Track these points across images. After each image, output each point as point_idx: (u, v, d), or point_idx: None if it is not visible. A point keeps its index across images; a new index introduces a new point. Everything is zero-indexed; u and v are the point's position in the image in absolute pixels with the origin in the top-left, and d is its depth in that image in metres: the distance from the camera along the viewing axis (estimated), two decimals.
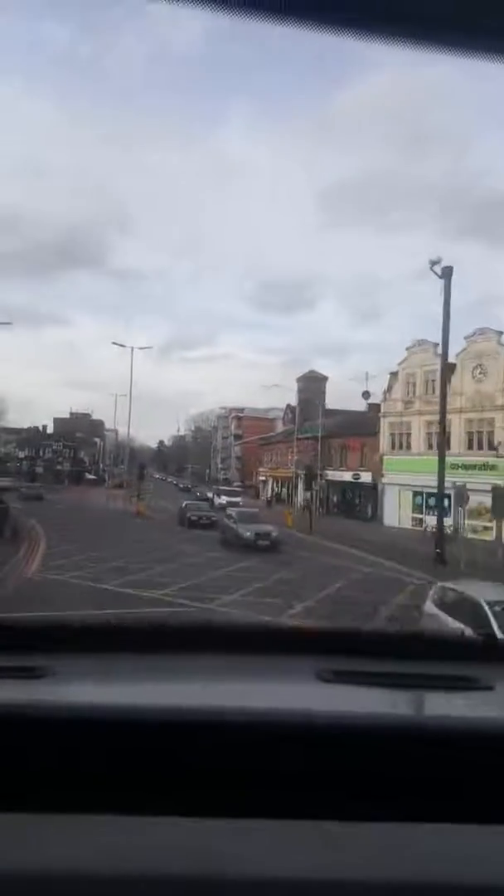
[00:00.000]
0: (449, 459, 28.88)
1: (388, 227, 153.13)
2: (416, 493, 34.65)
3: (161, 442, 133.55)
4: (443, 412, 20.85)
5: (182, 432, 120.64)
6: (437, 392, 33.10)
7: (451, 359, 30.05)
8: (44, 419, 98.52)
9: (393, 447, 36.74)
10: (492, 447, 30.40)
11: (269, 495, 54.10)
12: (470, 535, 27.12)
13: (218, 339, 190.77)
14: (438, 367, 33.41)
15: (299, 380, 58.04)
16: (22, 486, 47.17)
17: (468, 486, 23.73)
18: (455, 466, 28.70)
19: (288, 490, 51.38)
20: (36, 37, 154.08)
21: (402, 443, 36.15)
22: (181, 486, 72.98)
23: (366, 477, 38.70)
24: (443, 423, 20.86)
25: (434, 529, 30.40)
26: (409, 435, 35.61)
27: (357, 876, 0.72)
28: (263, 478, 60.36)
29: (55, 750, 0.91)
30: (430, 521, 32.34)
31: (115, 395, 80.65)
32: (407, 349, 36.35)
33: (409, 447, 35.53)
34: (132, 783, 0.90)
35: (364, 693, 1.12)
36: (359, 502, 40.14)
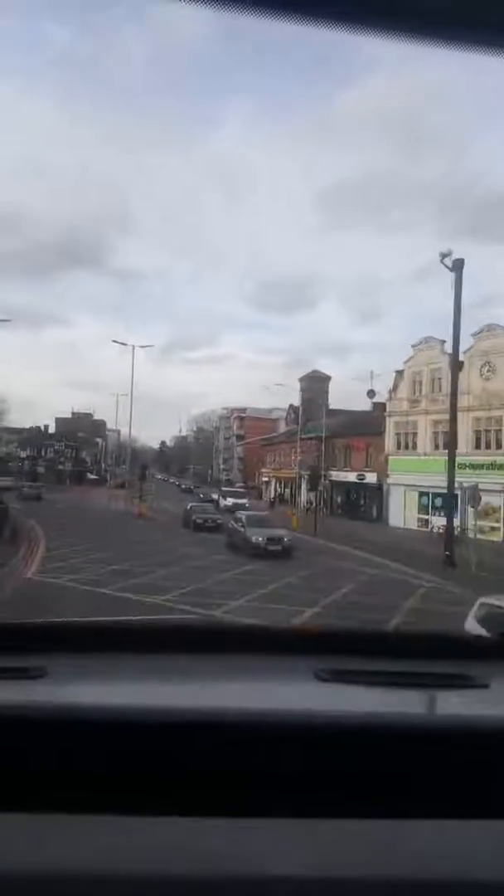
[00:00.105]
0: (456, 459, 28.53)
1: (389, 227, 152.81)
2: (421, 494, 34.11)
3: (163, 442, 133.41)
4: (453, 408, 20.28)
5: (184, 433, 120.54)
6: (444, 390, 32.76)
7: (460, 356, 29.58)
8: (46, 419, 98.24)
9: (398, 447, 36.20)
10: (500, 446, 29.86)
11: (272, 496, 53.60)
12: (478, 536, 26.69)
13: (219, 340, 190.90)
14: (445, 365, 33.00)
15: (302, 379, 57.56)
16: (21, 486, 46.83)
17: (467, 485, 23.17)
18: (462, 466, 28.13)
19: (291, 491, 50.86)
20: (36, 37, 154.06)
21: (407, 442, 35.61)
22: (183, 486, 72.33)
23: (371, 477, 38.16)
24: (453, 419, 20.28)
25: (441, 530, 30.07)
26: (415, 434, 35.06)
27: (356, 874, 0.73)
28: (266, 478, 59.86)
29: (54, 750, 0.91)
30: (437, 521, 31.86)
31: (116, 394, 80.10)
32: (413, 347, 35.81)
33: (414, 447, 34.98)
34: (131, 783, 0.90)
35: (361, 692, 1.12)
36: (363, 503, 39.59)
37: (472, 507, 20.58)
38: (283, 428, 65.86)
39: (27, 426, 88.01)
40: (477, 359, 31.20)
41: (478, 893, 0.73)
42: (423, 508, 34.19)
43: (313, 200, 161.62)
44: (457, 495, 22.70)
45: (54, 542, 19.57)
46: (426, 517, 33.69)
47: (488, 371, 30.92)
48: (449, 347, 33.35)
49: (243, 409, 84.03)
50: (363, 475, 38.92)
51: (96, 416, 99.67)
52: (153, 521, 30.92)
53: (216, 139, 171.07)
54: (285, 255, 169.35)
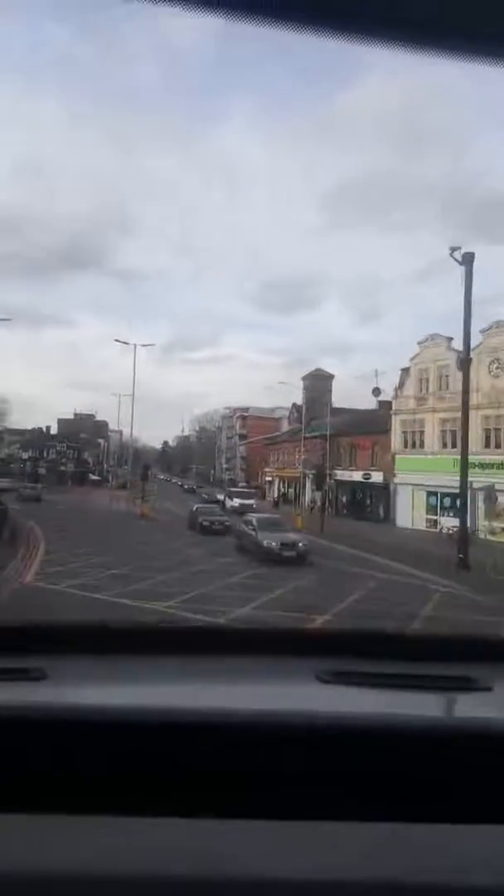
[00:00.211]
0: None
1: (391, 227, 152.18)
2: (429, 494, 33.46)
3: (165, 442, 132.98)
4: (465, 406, 19.57)
5: (186, 433, 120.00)
6: (452, 388, 32.11)
7: (462, 356, 28.92)
8: (48, 420, 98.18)
9: (405, 445, 35.53)
10: None
11: (275, 496, 52.94)
12: (488, 538, 26.02)
13: (221, 340, 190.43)
14: (452, 362, 32.36)
15: (305, 378, 56.94)
16: (21, 487, 46.33)
17: (480, 485, 22.48)
18: (472, 465, 27.39)
19: (295, 490, 50.21)
20: (37, 37, 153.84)
21: (415, 441, 34.94)
22: (186, 487, 71.63)
23: (377, 477, 37.49)
24: (465, 417, 19.58)
25: (451, 531, 29.41)
26: (422, 433, 34.40)
27: (357, 876, 0.73)
28: (270, 478, 59.23)
29: (55, 752, 0.91)
30: (445, 522, 31.23)
31: (118, 395, 79.56)
32: (419, 344, 35.15)
33: (422, 446, 34.31)
34: (132, 784, 0.90)
35: (363, 694, 1.11)
36: (369, 503, 38.93)
37: (489, 507, 19.80)
38: (285, 427, 65.29)
39: (30, 427, 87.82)
40: (486, 355, 30.50)
41: None
42: (431, 508, 33.53)
43: (315, 200, 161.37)
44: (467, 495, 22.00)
45: (54, 545, 18.97)
46: (434, 517, 33.03)
47: (497, 368, 30.24)
48: (456, 344, 32.83)
49: (246, 409, 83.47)
50: (369, 474, 38.24)
51: (99, 417, 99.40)
52: (155, 521, 30.29)
53: (218, 139, 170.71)
54: (287, 255, 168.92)
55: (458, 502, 30.93)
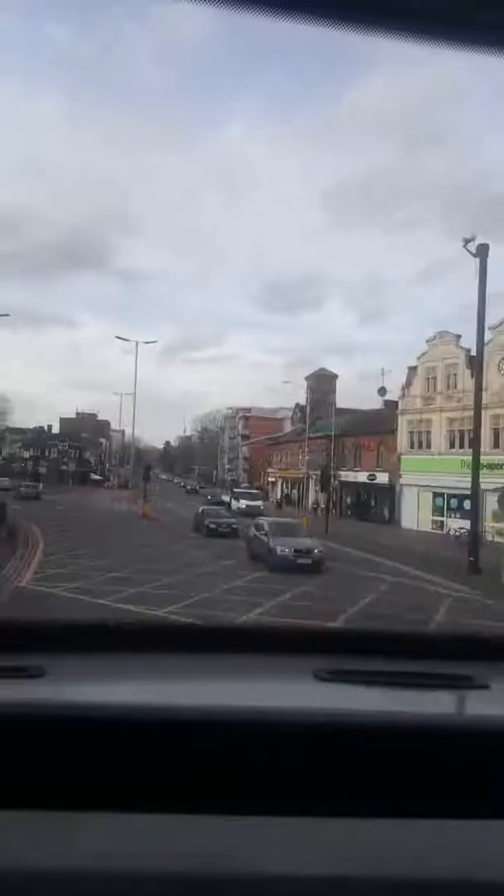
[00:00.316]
0: (471, 459, 27.24)
1: (394, 226, 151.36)
2: (436, 495, 32.88)
3: (167, 443, 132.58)
4: (478, 404, 18.98)
5: (188, 433, 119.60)
6: (460, 387, 31.53)
7: (476, 352, 28.38)
8: (51, 420, 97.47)
9: (412, 446, 34.96)
10: None
11: (278, 496, 52.37)
12: (496, 539, 25.45)
13: (223, 340, 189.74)
14: (461, 360, 31.78)
15: (308, 378, 56.39)
16: (20, 486, 45.88)
17: (492, 486, 21.84)
18: (480, 465, 26.90)
19: (299, 491, 49.66)
20: (39, 37, 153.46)
21: (421, 441, 34.36)
22: (188, 487, 70.99)
23: (382, 477, 36.91)
24: (478, 415, 18.99)
25: (458, 533, 28.82)
26: (429, 433, 33.82)
27: (355, 873, 0.73)
28: (273, 479, 58.69)
29: (55, 749, 0.91)
30: (453, 523, 30.66)
31: (120, 394, 79.04)
32: (427, 342, 34.58)
33: (429, 446, 33.73)
34: (131, 781, 0.90)
35: (361, 692, 1.12)
36: (374, 504, 38.35)
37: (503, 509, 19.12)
38: (288, 428, 64.79)
39: (32, 427, 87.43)
40: (496, 353, 29.88)
41: (479, 893, 0.73)
42: (437, 510, 32.95)
43: (318, 199, 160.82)
44: (471, 496, 21.38)
45: (52, 546, 18.45)
46: (441, 519, 32.45)
47: None
48: (464, 342, 32.29)
49: (248, 409, 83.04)
50: (374, 475, 37.66)
51: (101, 417, 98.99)
52: (156, 522, 29.74)
53: (220, 139, 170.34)
54: (290, 255, 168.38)
55: (464, 504, 30.76)
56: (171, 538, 23.16)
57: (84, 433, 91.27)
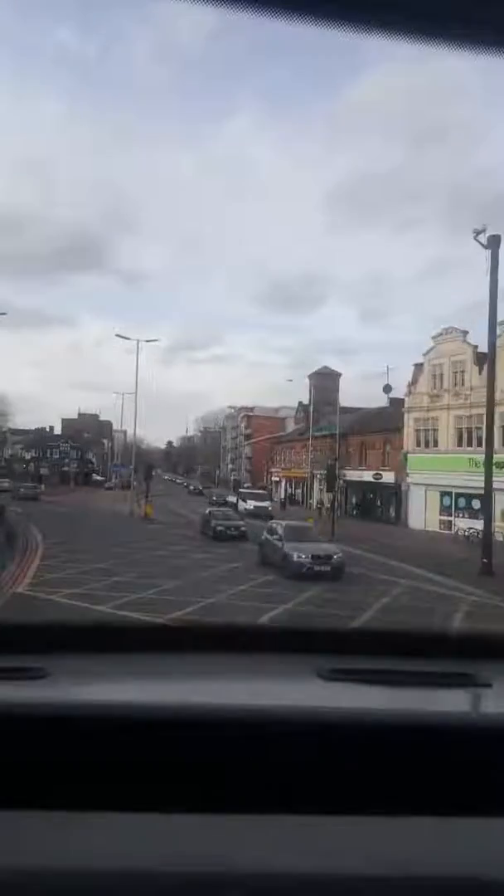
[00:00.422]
0: (479, 457, 26.67)
1: (398, 225, 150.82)
2: (443, 494, 32.27)
3: (169, 443, 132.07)
4: (490, 403, 18.38)
5: (190, 433, 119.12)
6: (468, 384, 30.92)
7: (484, 348, 27.78)
8: (54, 421, 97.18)
9: (418, 444, 34.35)
10: None
11: (282, 496, 51.80)
12: None
13: (225, 340, 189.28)
14: (468, 356, 31.16)
15: (311, 376, 55.85)
16: (19, 487, 45.67)
17: (502, 486, 21.22)
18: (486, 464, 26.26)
19: (303, 491, 49.10)
20: (39, 37, 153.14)
21: (428, 439, 33.75)
22: (192, 488, 69.92)
23: (388, 476, 36.29)
24: (490, 412, 18.39)
25: (468, 533, 28.22)
26: (435, 431, 33.20)
27: (360, 870, 0.74)
28: (277, 478, 58.11)
29: (57, 749, 0.91)
30: (461, 523, 30.08)
31: (122, 393, 78.49)
32: (433, 338, 33.95)
33: (436, 444, 33.12)
34: (134, 781, 0.91)
35: (364, 690, 1.12)
36: (380, 504, 37.75)
37: None
38: (291, 427, 64.32)
39: (34, 427, 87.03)
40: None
41: (480, 890, 0.73)
42: (444, 509, 32.34)
43: (320, 198, 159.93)
44: (482, 495, 20.76)
45: (52, 549, 17.93)
46: (449, 519, 31.84)
47: None
48: (472, 339, 31.70)
49: (251, 408, 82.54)
50: (380, 474, 37.05)
51: (103, 417, 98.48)
52: (160, 525, 29.18)
53: (223, 138, 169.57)
54: (292, 254, 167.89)
55: (473, 503, 30.20)
56: (175, 540, 22.61)
57: (86, 433, 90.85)
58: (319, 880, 0.72)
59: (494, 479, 19.23)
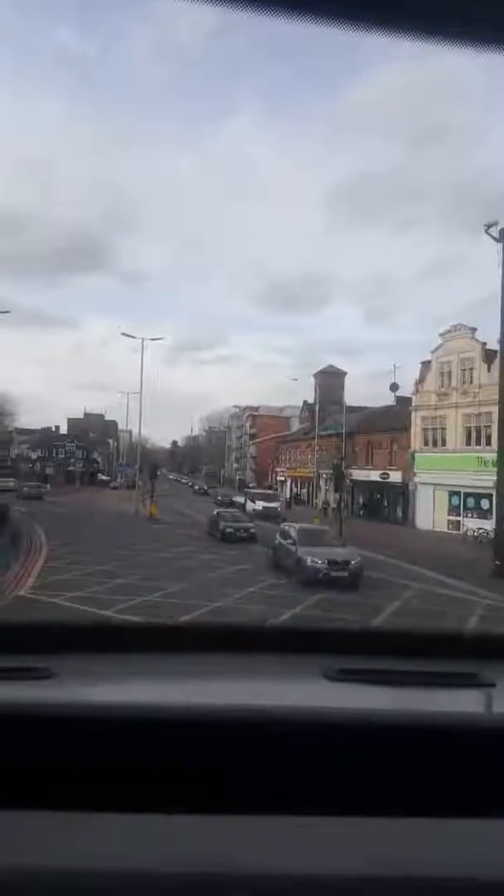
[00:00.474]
0: (488, 456, 26.27)
1: (401, 225, 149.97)
2: (452, 493, 31.82)
3: (174, 442, 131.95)
4: (502, 396, 17.93)
5: (195, 432, 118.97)
6: (477, 381, 30.45)
7: (492, 345, 27.34)
8: (59, 421, 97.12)
9: (426, 443, 33.90)
10: None
11: (287, 496, 51.45)
12: None
13: (230, 340, 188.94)
14: (477, 353, 30.68)
15: (317, 375, 55.48)
16: (23, 486, 45.59)
17: None
18: (494, 463, 25.82)
19: (308, 491, 48.74)
20: (40, 37, 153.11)
21: (436, 438, 33.30)
22: (197, 487, 69.20)
23: (395, 476, 35.87)
24: (502, 408, 17.96)
25: (477, 533, 27.78)
26: (444, 430, 32.75)
27: (363, 870, 0.74)
28: (282, 478, 57.77)
29: (63, 749, 0.92)
30: (469, 523, 29.64)
31: (127, 393, 78.28)
32: (441, 335, 33.50)
33: (444, 443, 32.67)
34: (138, 781, 0.91)
35: (369, 690, 1.12)
36: (387, 504, 37.32)
37: None
38: (296, 426, 63.92)
39: (39, 427, 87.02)
40: None
41: (482, 891, 0.73)
42: (453, 509, 31.89)
43: (322, 199, 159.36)
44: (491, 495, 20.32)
45: (55, 551, 17.66)
46: (457, 519, 31.39)
47: None
48: (480, 335, 31.23)
49: (256, 408, 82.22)
50: (387, 474, 36.64)
51: (108, 417, 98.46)
52: (166, 525, 28.91)
53: (225, 138, 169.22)
54: (295, 254, 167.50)
55: (482, 503, 29.72)
56: (181, 541, 22.33)
57: (92, 433, 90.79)
58: (322, 881, 0.72)
59: None
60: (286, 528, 17.37)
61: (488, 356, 29.30)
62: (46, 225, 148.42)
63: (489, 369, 28.74)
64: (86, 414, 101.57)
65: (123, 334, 39.27)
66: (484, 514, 29.39)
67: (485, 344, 30.24)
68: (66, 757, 0.90)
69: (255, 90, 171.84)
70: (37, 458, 79.88)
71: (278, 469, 59.69)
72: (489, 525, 28.11)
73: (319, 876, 0.72)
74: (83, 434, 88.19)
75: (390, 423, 37.25)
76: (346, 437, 40.15)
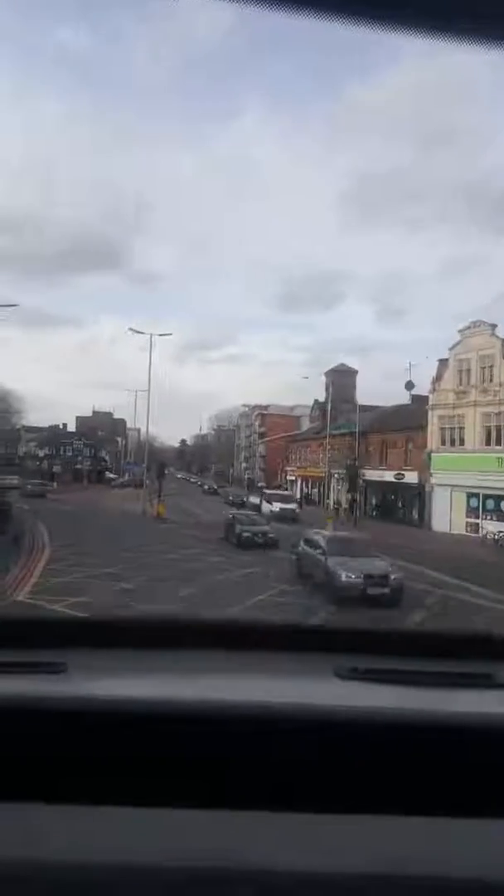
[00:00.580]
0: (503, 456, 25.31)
1: (412, 224, 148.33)
2: (470, 495, 30.73)
3: (183, 441, 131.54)
4: None
5: (204, 431, 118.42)
6: (497, 379, 29.38)
7: None
8: (67, 419, 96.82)
9: (443, 443, 32.82)
10: None
11: (298, 496, 50.49)
12: None
13: (239, 339, 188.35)
14: (497, 350, 29.59)
15: (328, 374, 54.49)
16: (27, 484, 45.16)
17: None
18: None
19: (319, 491, 47.76)
20: (45, 37, 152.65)
21: (454, 438, 32.22)
22: (206, 487, 67.92)
23: (410, 476, 34.80)
24: None
25: (498, 536, 26.73)
26: (462, 429, 31.67)
27: (368, 868, 0.74)
28: (293, 477, 56.81)
29: (76, 743, 0.92)
30: (489, 526, 28.56)
31: (135, 391, 77.86)
32: (459, 332, 32.42)
33: (462, 443, 31.59)
34: (148, 775, 0.91)
35: (381, 690, 1.12)
36: (402, 505, 36.27)
37: None
38: (305, 425, 63.00)
39: (47, 425, 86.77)
40: None
41: (487, 892, 0.73)
42: (471, 511, 30.80)
43: (333, 198, 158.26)
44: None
45: (58, 552, 16.88)
46: (476, 521, 30.29)
47: None
48: (501, 332, 30.13)
49: (265, 406, 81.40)
50: (402, 474, 35.58)
51: (117, 416, 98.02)
52: (174, 525, 28.07)
53: (234, 137, 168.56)
54: (305, 253, 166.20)
55: (501, 504, 28.63)
56: (189, 542, 21.46)
57: (100, 431, 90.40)
58: (326, 878, 0.72)
59: None
60: (311, 535, 15.45)
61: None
62: (55, 225, 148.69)
63: None
64: (94, 412, 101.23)
65: (131, 329, 39.09)
66: (503, 517, 28.33)
67: None
68: (77, 751, 0.91)
69: (265, 89, 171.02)
70: (44, 456, 79.52)
71: (288, 468, 58.75)
72: (495, 527, 27.23)
73: (323, 873, 0.72)
74: (91, 432, 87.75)
75: (405, 422, 36.20)
76: (360, 436, 39.13)
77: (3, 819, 0.80)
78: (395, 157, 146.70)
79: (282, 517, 30.21)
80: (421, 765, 0.92)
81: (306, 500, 48.61)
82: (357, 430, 39.17)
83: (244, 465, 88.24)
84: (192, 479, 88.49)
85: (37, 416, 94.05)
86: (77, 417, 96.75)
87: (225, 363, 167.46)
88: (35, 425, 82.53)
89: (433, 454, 33.07)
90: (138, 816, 0.80)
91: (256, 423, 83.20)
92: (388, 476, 36.77)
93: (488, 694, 1.12)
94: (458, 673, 1.17)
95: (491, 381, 30.18)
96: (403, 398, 41.11)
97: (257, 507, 32.87)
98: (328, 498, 42.74)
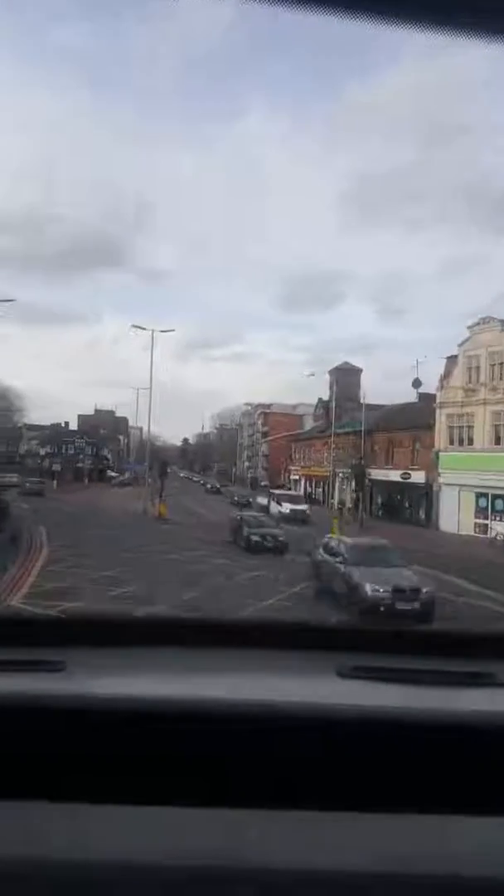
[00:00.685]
0: None
1: (412, 224, 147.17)
2: (479, 495, 30.05)
3: (185, 440, 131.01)
4: None
5: (206, 430, 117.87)
6: None
7: None
8: (69, 417, 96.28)
9: (451, 442, 32.12)
10: None
11: (302, 495, 49.84)
12: None
13: (242, 338, 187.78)
14: None
15: (332, 372, 53.78)
16: (25, 482, 44.70)
17: None
18: None
19: (324, 490, 47.10)
20: (46, 38, 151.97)
21: (462, 437, 31.52)
22: (209, 486, 66.79)
23: (417, 476, 34.11)
24: None
25: None
26: (470, 428, 30.98)
27: (368, 866, 0.74)
28: (296, 476, 56.15)
29: (75, 742, 0.92)
30: (499, 527, 27.88)
31: (137, 389, 77.21)
32: (469, 328, 31.71)
33: (471, 442, 30.90)
34: (148, 773, 0.91)
35: (383, 689, 1.12)
36: (409, 505, 35.59)
37: None
38: (309, 424, 62.35)
39: (49, 423, 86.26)
40: None
41: (485, 890, 0.73)
42: (480, 511, 30.11)
43: (336, 197, 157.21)
44: None
45: (55, 553, 16.28)
46: (485, 522, 29.61)
47: None
48: None
49: (268, 405, 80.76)
50: (408, 473, 34.89)
51: (119, 414, 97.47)
52: (176, 525, 27.44)
53: (240, 137, 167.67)
54: (308, 252, 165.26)
55: None
56: (191, 543, 20.84)
57: (102, 430, 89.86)
58: (327, 876, 0.72)
59: None
60: (331, 542, 13.98)
61: None
62: (58, 223, 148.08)
63: None
64: (97, 410, 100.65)
65: (134, 326, 38.76)
66: None
67: None
68: (77, 749, 0.90)
69: (265, 89, 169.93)
70: (45, 455, 78.98)
71: (292, 467, 58.12)
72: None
73: (325, 871, 0.72)
74: (93, 430, 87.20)
75: (412, 420, 35.51)
76: (365, 435, 38.45)
77: (3, 817, 0.79)
78: (394, 158, 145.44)
79: (292, 519, 29.31)
80: (423, 763, 0.92)
81: (310, 499, 47.97)
82: (363, 428, 38.48)
83: (247, 464, 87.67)
84: (194, 478, 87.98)
85: (39, 414, 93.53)
86: (79, 416, 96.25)
87: (228, 361, 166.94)
88: (37, 423, 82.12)
89: (441, 453, 32.39)
90: (139, 815, 0.79)
91: (259, 422, 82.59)
92: (395, 475, 36.09)
93: (491, 692, 1.11)
94: (461, 672, 1.16)
95: (501, 378, 29.50)
96: (405, 397, 40.44)
97: (264, 508, 31.95)
98: (332, 497, 42.07)
